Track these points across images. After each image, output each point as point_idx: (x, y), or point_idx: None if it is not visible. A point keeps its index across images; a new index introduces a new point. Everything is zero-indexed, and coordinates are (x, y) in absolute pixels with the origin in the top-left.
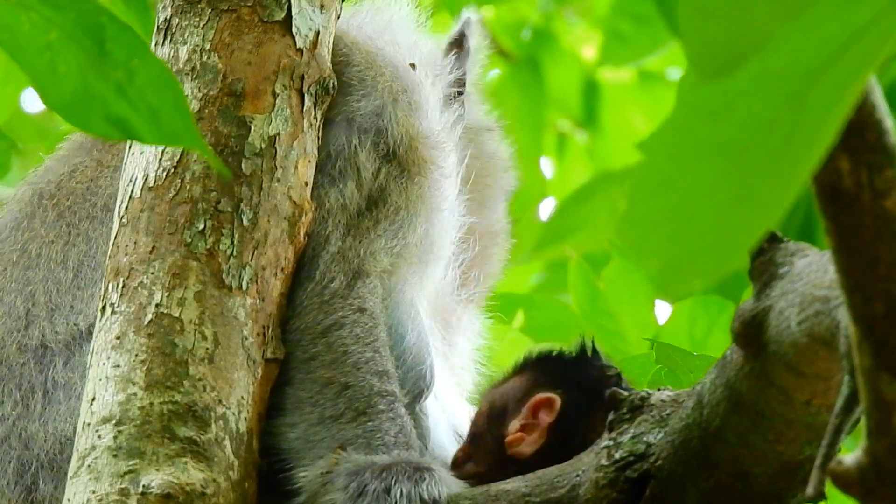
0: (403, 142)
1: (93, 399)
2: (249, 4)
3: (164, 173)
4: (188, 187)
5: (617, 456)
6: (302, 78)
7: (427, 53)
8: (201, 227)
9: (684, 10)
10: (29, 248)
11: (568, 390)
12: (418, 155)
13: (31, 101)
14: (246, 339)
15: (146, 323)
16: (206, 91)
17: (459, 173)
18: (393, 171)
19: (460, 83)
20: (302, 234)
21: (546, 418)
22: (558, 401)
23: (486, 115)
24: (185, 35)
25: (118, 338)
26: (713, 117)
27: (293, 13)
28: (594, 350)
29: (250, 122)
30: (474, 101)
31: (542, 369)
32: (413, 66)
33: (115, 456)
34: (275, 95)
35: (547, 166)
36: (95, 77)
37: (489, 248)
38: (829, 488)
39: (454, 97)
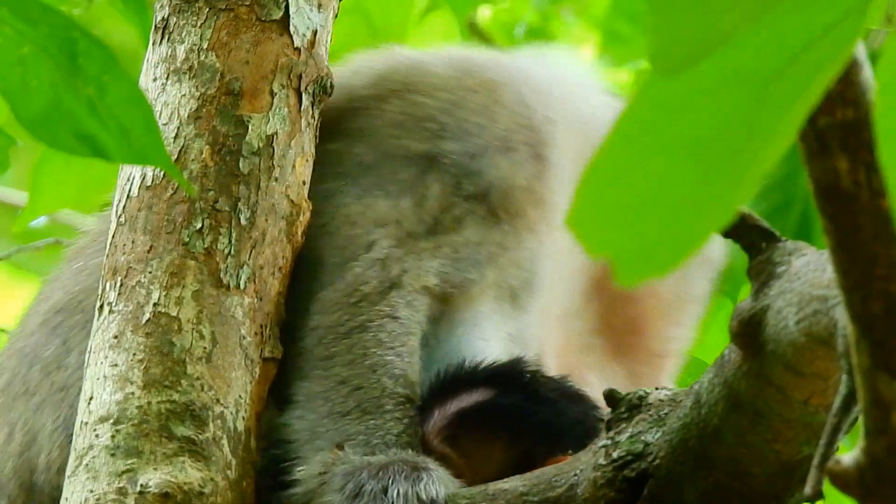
0: (499, 189)
1: (90, 398)
2: (247, 3)
3: (162, 172)
4: None
5: (615, 455)
6: (300, 77)
7: (582, 111)
8: (199, 226)
9: (650, 6)
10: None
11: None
12: (514, 205)
13: None
14: (244, 338)
15: (144, 322)
16: (203, 90)
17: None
18: (477, 210)
19: None
20: (300, 233)
21: None
22: None
23: None
24: (183, 34)
25: (116, 337)
26: (673, 111)
27: (291, 12)
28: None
29: (248, 122)
30: None
31: (541, 435)
32: (554, 121)
33: (112, 455)
34: (272, 94)
35: None
36: (66, 92)
37: (670, 312)
38: (828, 488)
39: None
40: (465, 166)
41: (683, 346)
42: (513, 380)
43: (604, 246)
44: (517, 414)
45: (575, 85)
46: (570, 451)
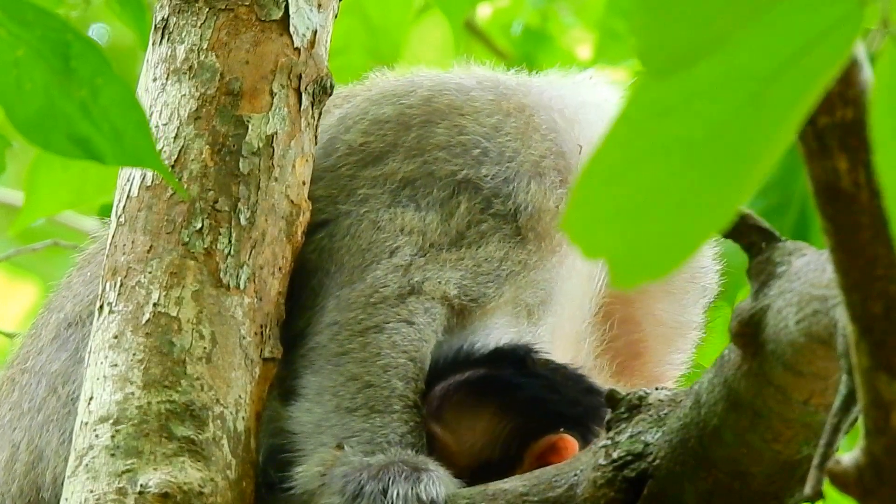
0: (528, 211)
1: (90, 398)
2: (247, 3)
3: None
4: (186, 186)
5: (615, 455)
6: (300, 77)
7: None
8: (199, 226)
9: (636, 7)
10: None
11: (568, 426)
12: (542, 227)
13: None
14: (243, 338)
15: (144, 322)
16: (203, 90)
17: None
18: (504, 228)
19: None
20: (300, 233)
21: (557, 459)
22: (574, 443)
23: None
24: (183, 34)
25: (116, 337)
26: (668, 114)
27: (291, 12)
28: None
29: (248, 122)
30: None
31: (531, 411)
32: (581, 147)
33: (112, 455)
34: (272, 94)
35: None
36: (60, 95)
37: (671, 337)
38: (827, 488)
39: None
40: (498, 188)
41: (682, 372)
42: (507, 358)
43: (599, 248)
44: (504, 386)
45: (600, 109)
46: (561, 430)
